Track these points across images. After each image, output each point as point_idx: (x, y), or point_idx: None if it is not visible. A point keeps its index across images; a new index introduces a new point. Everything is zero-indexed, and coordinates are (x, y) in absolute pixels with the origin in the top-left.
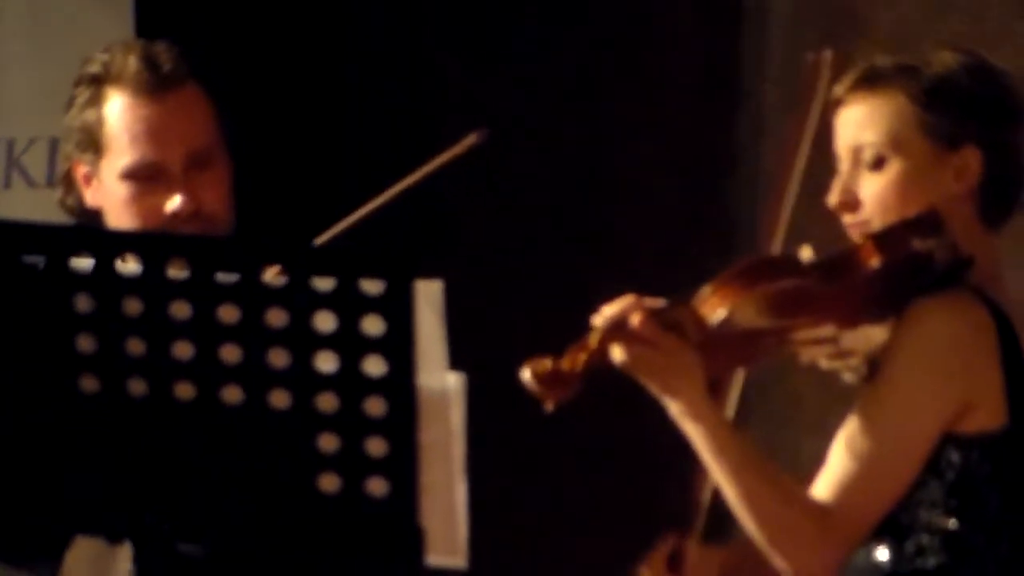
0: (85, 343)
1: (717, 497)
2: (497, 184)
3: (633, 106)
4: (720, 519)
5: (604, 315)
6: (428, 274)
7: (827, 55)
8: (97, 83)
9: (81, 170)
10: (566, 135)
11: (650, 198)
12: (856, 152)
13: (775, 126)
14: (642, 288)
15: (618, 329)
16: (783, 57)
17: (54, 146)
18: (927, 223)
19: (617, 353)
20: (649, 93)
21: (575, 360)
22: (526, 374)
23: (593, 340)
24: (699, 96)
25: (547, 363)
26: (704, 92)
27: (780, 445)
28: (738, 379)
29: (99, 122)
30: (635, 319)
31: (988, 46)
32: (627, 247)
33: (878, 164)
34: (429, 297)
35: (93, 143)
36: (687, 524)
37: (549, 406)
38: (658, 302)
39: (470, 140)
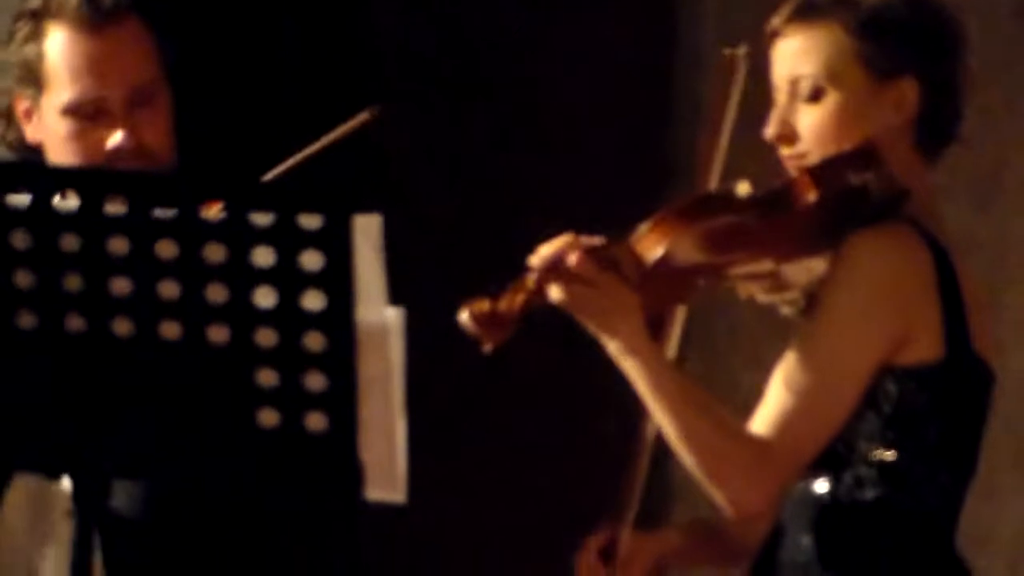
0: (22, 279)
1: (648, 484)
2: (436, 127)
3: (572, 45)
4: (653, 504)
5: (541, 255)
6: (366, 209)
7: (741, 51)
8: (37, 18)
9: (22, 105)
10: (503, 76)
11: (589, 138)
12: (793, 84)
13: (712, 60)
14: (581, 227)
15: (555, 269)
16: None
17: None
18: (864, 156)
19: (555, 292)
20: (588, 31)
21: (513, 301)
22: (464, 316)
23: (530, 280)
24: (637, 34)
25: (485, 304)
26: (641, 29)
27: (719, 378)
28: (679, 316)
29: (39, 57)
30: (572, 258)
31: None
32: (566, 187)
33: (815, 96)
34: (368, 232)
35: (34, 78)
36: (619, 513)
37: (488, 347)
38: (595, 240)
39: (363, 117)
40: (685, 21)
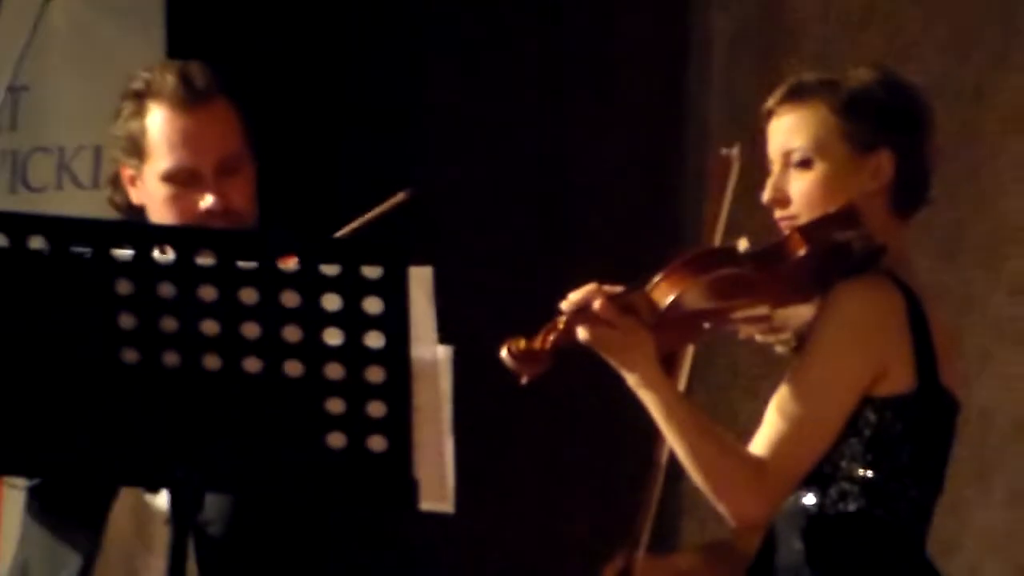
0: (126, 320)
1: (661, 508)
2: (486, 190)
3: (598, 121)
4: (667, 528)
5: (570, 300)
6: (420, 261)
7: (735, 151)
8: (140, 97)
9: (127, 173)
10: (542, 150)
11: (611, 200)
12: (786, 156)
13: (718, 136)
14: (605, 277)
15: (582, 312)
16: (725, 75)
17: (98, 153)
18: (846, 217)
19: (582, 333)
20: (611, 109)
21: (545, 340)
22: (503, 352)
23: (561, 322)
24: (653, 111)
25: (521, 342)
26: (657, 108)
27: (721, 408)
28: (688, 354)
29: (142, 131)
30: (597, 303)
31: (901, 58)
32: (593, 242)
33: (804, 166)
34: (421, 281)
35: (137, 150)
36: (634, 540)
37: (524, 379)
38: (616, 289)
39: (398, 198)
40: (694, 101)
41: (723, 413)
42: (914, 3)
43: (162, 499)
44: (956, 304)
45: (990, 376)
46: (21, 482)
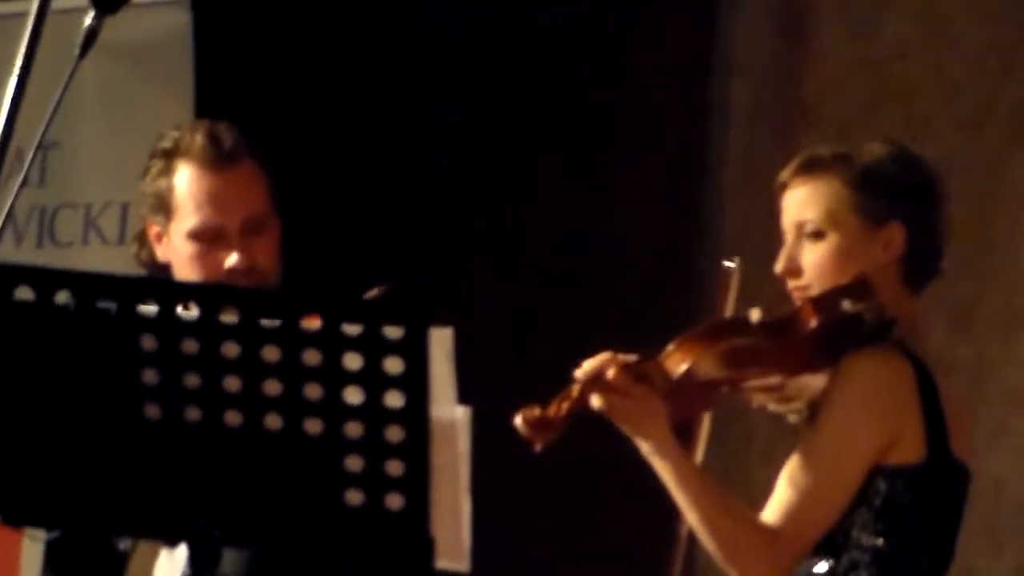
0: (149, 376)
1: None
2: (507, 255)
3: (616, 185)
4: None
5: (584, 369)
6: (441, 322)
7: (736, 266)
8: (168, 156)
9: (153, 230)
10: (562, 215)
11: (629, 264)
12: (799, 227)
13: (734, 201)
14: (623, 339)
15: (596, 381)
16: (742, 144)
17: (124, 210)
18: (858, 288)
19: (595, 401)
20: (630, 174)
21: (560, 407)
22: (517, 420)
23: (575, 390)
24: (671, 175)
25: (536, 410)
26: (675, 172)
27: (735, 473)
28: (706, 422)
29: (169, 190)
30: (610, 372)
31: (917, 135)
32: (611, 308)
33: (817, 237)
34: (441, 342)
35: (164, 207)
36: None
37: (537, 447)
38: (630, 358)
39: (377, 291)
40: (712, 166)
41: (737, 478)
42: (929, 81)
43: (180, 555)
44: (970, 375)
45: (1004, 447)
46: (41, 534)
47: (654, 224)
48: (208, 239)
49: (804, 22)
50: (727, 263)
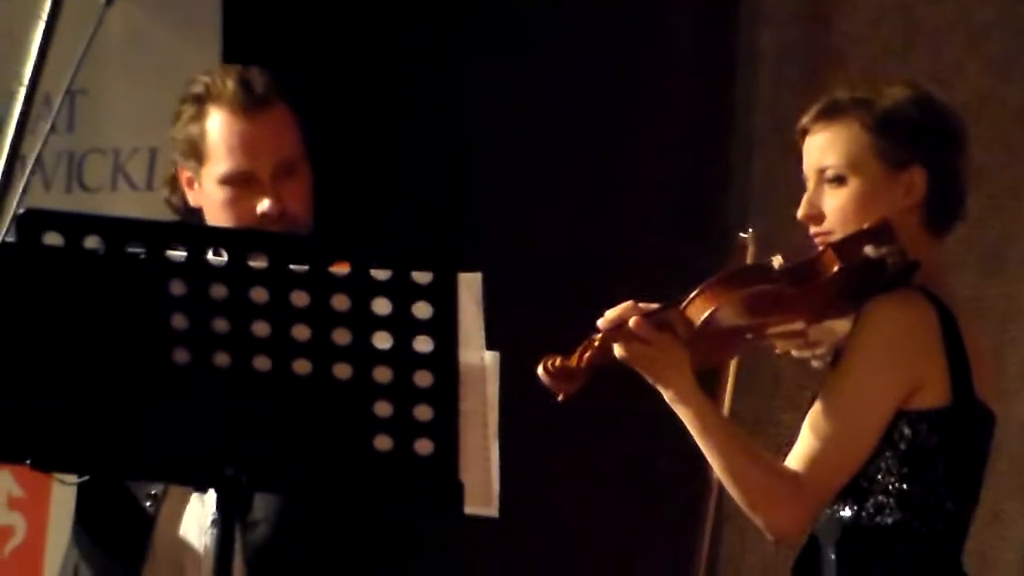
0: (178, 321)
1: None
2: (534, 199)
3: (644, 134)
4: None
5: (607, 318)
6: (469, 267)
7: (750, 236)
8: (200, 101)
9: (185, 175)
10: (589, 162)
11: (654, 213)
12: (820, 173)
13: (763, 148)
14: (647, 289)
15: (618, 330)
16: (770, 90)
17: (153, 155)
18: (880, 233)
19: (618, 350)
20: (657, 123)
21: (582, 357)
22: (540, 370)
23: (597, 339)
24: (700, 123)
25: (557, 360)
26: (704, 120)
27: (763, 418)
28: (732, 368)
29: (201, 135)
30: (633, 321)
31: (945, 78)
32: (638, 253)
33: (838, 182)
34: (470, 286)
35: (196, 152)
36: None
37: (560, 397)
38: (652, 306)
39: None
40: (740, 114)
41: (765, 423)
42: (958, 24)
43: (210, 500)
44: (999, 318)
45: None
46: (71, 478)
47: (680, 172)
48: (240, 184)
49: None
50: (742, 234)
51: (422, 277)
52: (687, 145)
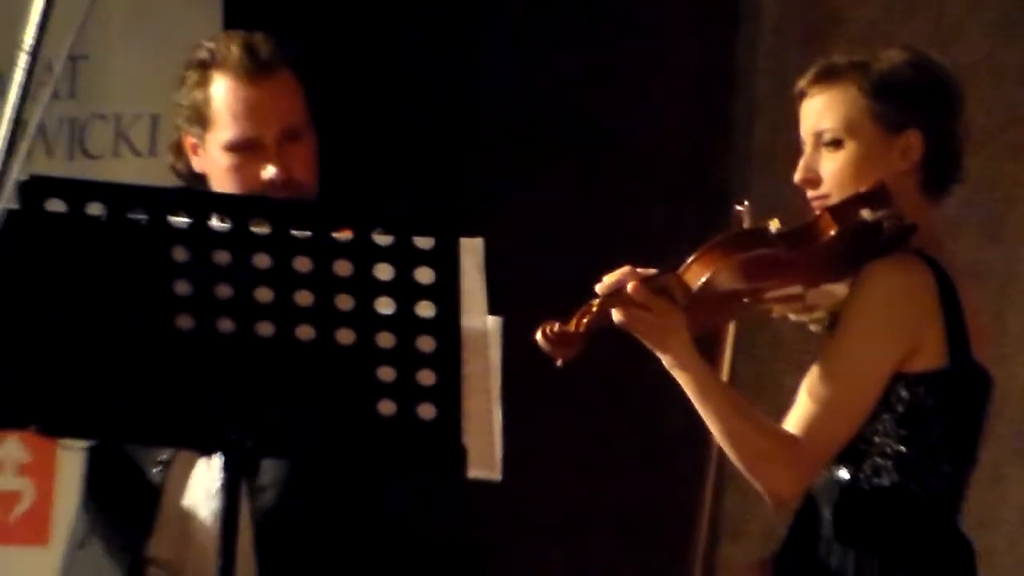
0: (181, 287)
1: (707, 552)
2: (536, 163)
3: (646, 95)
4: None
5: (604, 283)
6: (471, 233)
7: (746, 208)
8: (204, 67)
9: (189, 141)
10: (591, 122)
11: (658, 174)
12: (817, 136)
13: (764, 110)
14: (652, 252)
15: (616, 295)
16: (772, 51)
17: (155, 121)
18: (876, 196)
19: (616, 315)
20: (659, 84)
21: (580, 322)
22: (538, 335)
23: (595, 305)
24: (702, 85)
25: (556, 325)
26: (706, 81)
27: (766, 381)
28: (731, 332)
29: (206, 101)
30: (630, 286)
31: (946, 41)
32: (638, 214)
33: (835, 146)
34: (471, 252)
35: (200, 119)
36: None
37: (559, 362)
38: (649, 271)
39: None
40: (742, 76)
41: (768, 386)
42: None
43: (217, 464)
44: (1000, 281)
45: None
46: (76, 444)
47: (683, 134)
48: (245, 150)
49: None
50: (738, 207)
51: (424, 242)
52: (689, 108)
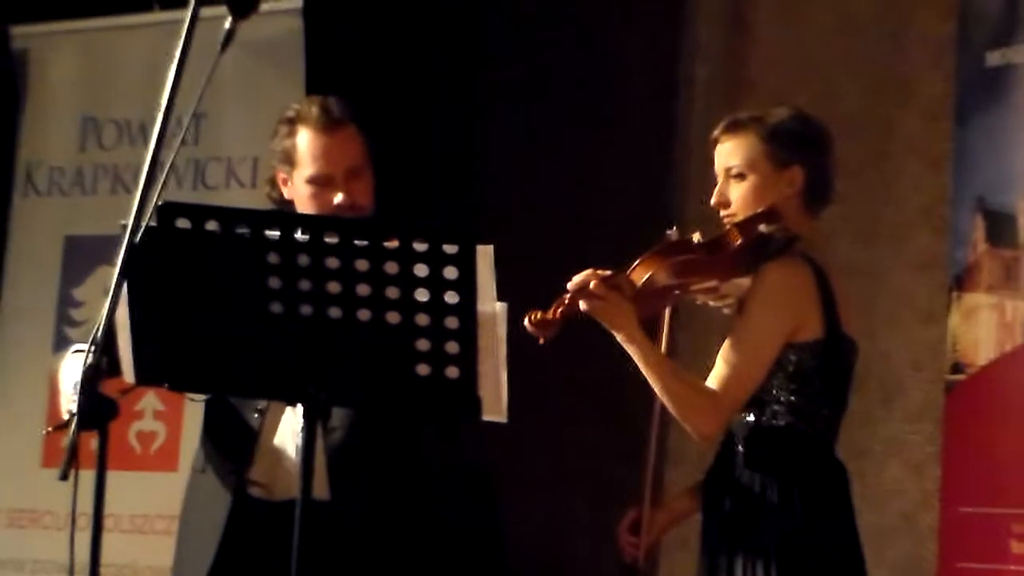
0: (273, 282)
1: (655, 475)
2: (532, 199)
3: (610, 145)
4: (658, 496)
5: (573, 282)
6: (484, 241)
7: (674, 231)
8: (292, 123)
9: (281, 176)
10: (574, 166)
11: (617, 202)
12: (727, 171)
13: (698, 154)
14: (616, 258)
15: (582, 290)
16: (704, 111)
17: (255, 162)
18: (770, 215)
19: (582, 305)
20: (621, 136)
21: (556, 311)
22: (525, 321)
23: (567, 298)
24: (651, 137)
25: (538, 314)
26: (654, 134)
27: (702, 351)
28: (667, 316)
29: (293, 147)
30: (592, 284)
31: (832, 100)
32: (607, 232)
33: (740, 178)
34: (485, 255)
35: (289, 160)
36: (640, 498)
37: (541, 341)
38: (606, 272)
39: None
40: (681, 130)
41: (703, 355)
42: (840, 62)
43: (299, 411)
44: (870, 276)
45: (893, 330)
46: (200, 397)
47: (638, 172)
48: (321, 183)
49: (745, 18)
50: (668, 232)
51: (451, 248)
52: (642, 152)
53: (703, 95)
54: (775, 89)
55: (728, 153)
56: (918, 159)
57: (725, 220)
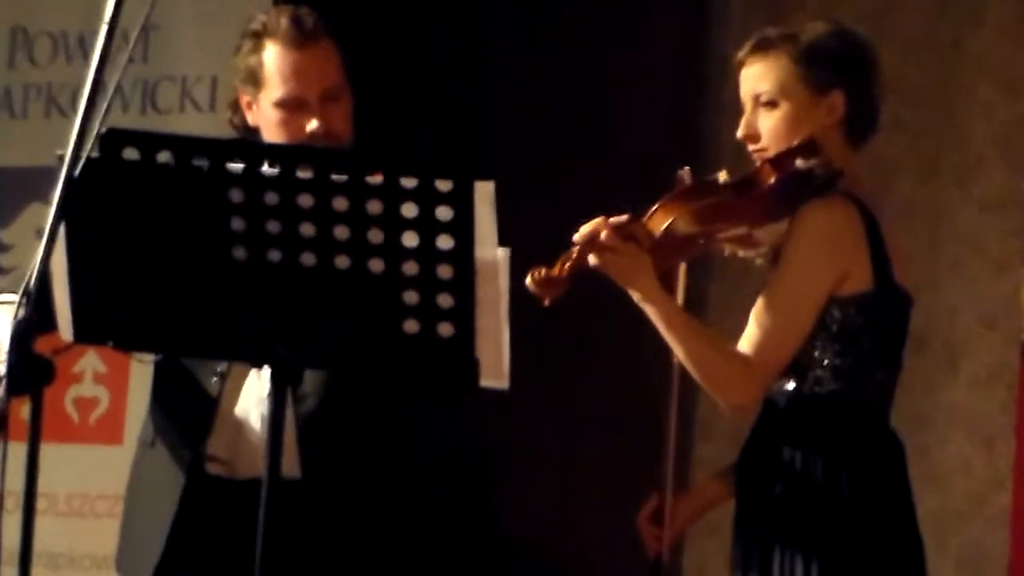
0: (237, 223)
1: (680, 454)
2: (542, 131)
3: (635, 64)
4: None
5: (581, 232)
6: (483, 177)
7: (686, 172)
8: (258, 36)
9: (244, 99)
10: (589, 87)
11: (644, 129)
12: (755, 98)
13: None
14: (637, 195)
15: (591, 242)
16: (741, 25)
17: (214, 82)
18: (807, 148)
19: (592, 259)
20: (646, 55)
21: (563, 267)
22: (528, 280)
23: (575, 251)
24: (682, 55)
25: (542, 270)
26: (685, 52)
27: (735, 305)
28: (683, 270)
29: (259, 65)
30: (603, 234)
31: (887, 13)
32: (628, 164)
33: (770, 106)
34: (484, 192)
35: (254, 80)
36: (661, 485)
37: (546, 302)
38: (620, 219)
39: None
40: (715, 45)
41: (735, 309)
42: None
43: (266, 375)
44: (931, 218)
45: (958, 280)
46: (149, 358)
47: (667, 95)
48: (292, 107)
49: None
50: (680, 172)
51: (444, 185)
52: (671, 72)
53: (740, 4)
54: (823, 1)
55: (756, 78)
56: (990, 83)
57: (755, 156)
